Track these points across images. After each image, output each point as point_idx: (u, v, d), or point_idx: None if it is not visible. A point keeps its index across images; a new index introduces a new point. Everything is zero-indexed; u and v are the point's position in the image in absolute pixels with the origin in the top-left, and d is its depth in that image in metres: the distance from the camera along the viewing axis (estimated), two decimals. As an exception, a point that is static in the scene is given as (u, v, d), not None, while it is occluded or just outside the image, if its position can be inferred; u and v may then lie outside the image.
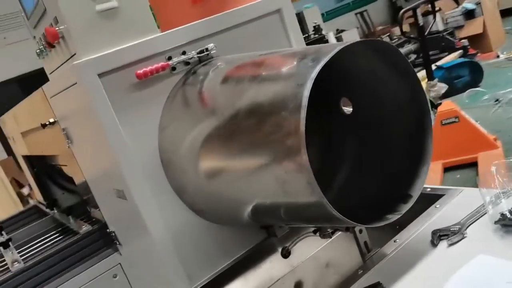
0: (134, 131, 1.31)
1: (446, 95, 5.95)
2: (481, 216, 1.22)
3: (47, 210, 2.51)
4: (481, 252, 1.09)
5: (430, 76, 4.01)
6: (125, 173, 1.30)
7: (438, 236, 1.20)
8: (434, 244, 1.19)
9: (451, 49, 7.22)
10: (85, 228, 1.86)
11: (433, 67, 6.36)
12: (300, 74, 0.98)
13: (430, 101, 4.13)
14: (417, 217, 1.36)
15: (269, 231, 1.56)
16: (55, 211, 2.44)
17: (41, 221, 2.34)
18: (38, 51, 1.53)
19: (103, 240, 1.75)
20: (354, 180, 1.35)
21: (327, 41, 7.27)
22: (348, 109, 1.40)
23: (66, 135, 1.61)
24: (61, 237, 2.03)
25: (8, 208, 5.17)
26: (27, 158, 2.76)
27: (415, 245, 1.23)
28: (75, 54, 1.28)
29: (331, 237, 1.34)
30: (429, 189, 1.49)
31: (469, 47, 7.25)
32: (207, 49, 1.39)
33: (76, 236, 1.82)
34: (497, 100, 5.19)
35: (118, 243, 1.68)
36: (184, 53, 1.39)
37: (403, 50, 7.41)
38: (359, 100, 1.35)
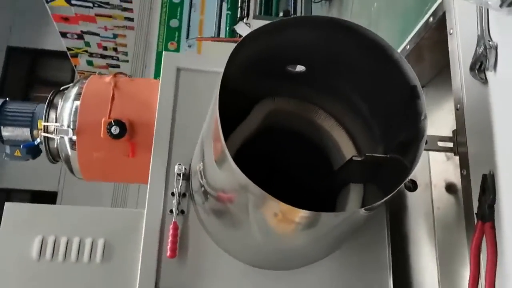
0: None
1: None
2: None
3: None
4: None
5: None
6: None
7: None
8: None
9: None
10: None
11: None
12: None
13: None
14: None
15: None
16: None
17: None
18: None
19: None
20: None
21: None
22: (299, 68, 1.26)
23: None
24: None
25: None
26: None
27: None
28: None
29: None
30: (431, 20, 1.26)
31: None
32: (179, 174, 1.36)
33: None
34: None
35: None
36: (173, 194, 1.37)
37: None
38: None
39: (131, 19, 9.96)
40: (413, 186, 1.39)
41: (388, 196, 1.06)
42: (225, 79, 0.96)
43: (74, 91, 1.54)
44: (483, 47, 0.98)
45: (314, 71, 1.24)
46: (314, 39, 1.09)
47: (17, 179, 8.02)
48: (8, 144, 1.58)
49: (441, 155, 1.38)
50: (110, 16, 9.40)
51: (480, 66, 0.99)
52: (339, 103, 1.32)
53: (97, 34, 8.97)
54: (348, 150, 1.33)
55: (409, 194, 1.47)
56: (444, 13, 1.19)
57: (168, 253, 1.28)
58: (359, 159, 1.20)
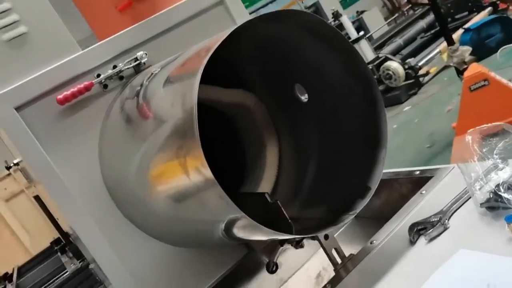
0: (69, 164, 1.19)
1: (480, 58, 5.52)
2: (468, 199, 1.00)
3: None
4: (464, 246, 0.88)
5: (449, 40, 3.67)
6: (67, 215, 1.18)
7: (416, 231, 1.00)
8: (411, 241, 0.99)
9: (479, 7, 6.72)
10: (73, 266, 1.77)
11: (461, 31, 5.94)
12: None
13: (455, 68, 3.79)
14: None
15: (248, 245, 1.41)
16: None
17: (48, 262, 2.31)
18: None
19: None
20: (321, 178, 1.17)
21: (341, 26, 6.97)
22: (304, 97, 1.23)
23: (25, 175, 1.52)
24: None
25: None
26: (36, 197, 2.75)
27: (392, 245, 1.03)
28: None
29: (303, 247, 1.16)
30: (418, 172, 1.28)
31: (498, 2, 6.70)
32: (136, 59, 1.26)
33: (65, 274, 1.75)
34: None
35: (99, 279, 1.58)
36: (114, 67, 1.26)
37: (415, 28, 7.00)
38: (312, 87, 1.18)
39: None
40: (273, 268, 1.35)
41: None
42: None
43: None
44: (438, 219, 0.99)
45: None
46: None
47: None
48: None
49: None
50: None
51: (421, 229, 0.99)
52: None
53: None
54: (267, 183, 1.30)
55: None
56: (431, 177, 1.21)
57: (60, 96, 1.16)
58: (268, 199, 1.15)
